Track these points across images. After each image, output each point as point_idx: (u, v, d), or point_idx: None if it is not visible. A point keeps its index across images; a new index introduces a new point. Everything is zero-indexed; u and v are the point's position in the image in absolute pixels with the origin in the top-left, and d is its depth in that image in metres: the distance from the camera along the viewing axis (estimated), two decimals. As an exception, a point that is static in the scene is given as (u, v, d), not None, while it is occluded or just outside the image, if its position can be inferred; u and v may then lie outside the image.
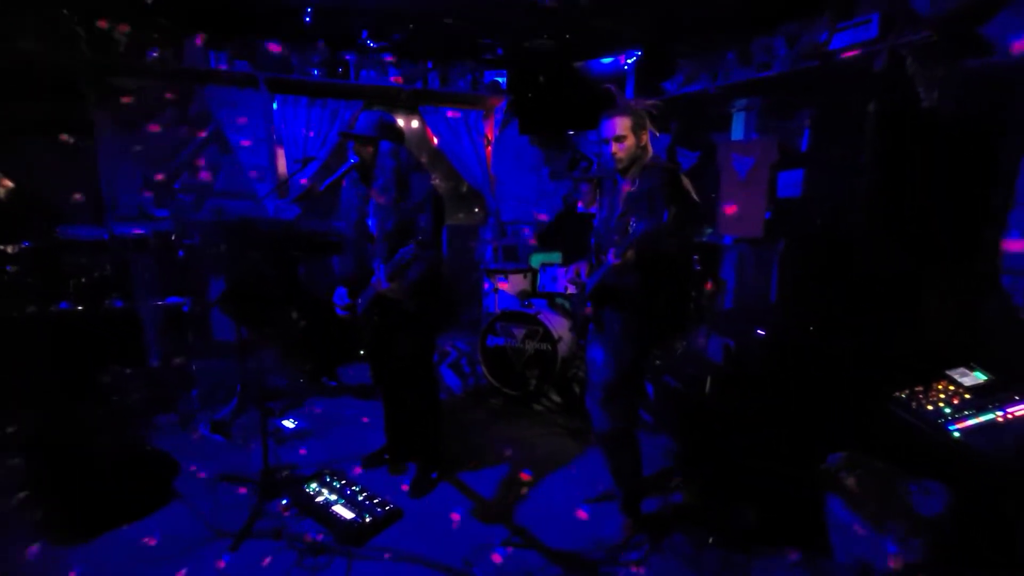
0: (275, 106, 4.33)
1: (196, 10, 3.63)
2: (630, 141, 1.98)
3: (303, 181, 4.35)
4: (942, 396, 1.95)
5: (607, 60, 4.38)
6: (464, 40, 4.19)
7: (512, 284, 4.11)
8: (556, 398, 3.59)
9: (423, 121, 4.93)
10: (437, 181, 2.39)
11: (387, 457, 2.75)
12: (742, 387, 2.69)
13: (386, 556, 2.06)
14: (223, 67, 3.96)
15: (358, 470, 2.69)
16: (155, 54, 3.76)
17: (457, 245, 5.19)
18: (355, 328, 2.55)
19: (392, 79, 4.45)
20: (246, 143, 4.33)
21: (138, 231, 3.49)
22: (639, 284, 1.95)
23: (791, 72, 3.26)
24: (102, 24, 3.56)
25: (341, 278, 2.55)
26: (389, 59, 4.49)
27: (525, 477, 2.64)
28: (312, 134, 4.43)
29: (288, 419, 3.19)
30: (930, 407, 1.89)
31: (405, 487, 2.50)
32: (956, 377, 2.04)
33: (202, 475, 2.57)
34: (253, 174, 4.38)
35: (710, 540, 2.12)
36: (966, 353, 2.14)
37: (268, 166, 4.42)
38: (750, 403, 2.46)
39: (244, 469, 2.60)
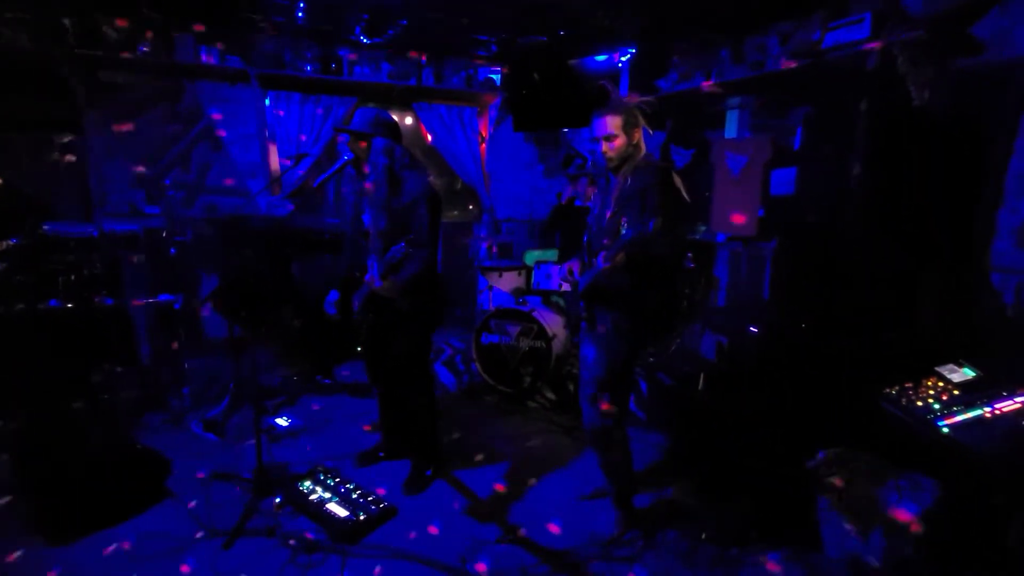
0: (267, 102, 4.30)
1: (187, 4, 3.58)
2: (621, 140, 1.98)
3: (301, 173, 4.33)
4: (931, 392, 1.97)
5: (601, 58, 4.39)
6: (458, 37, 4.17)
7: (506, 281, 4.11)
8: (551, 395, 3.59)
9: (417, 118, 4.91)
10: (432, 179, 2.38)
11: (382, 455, 2.75)
12: (735, 384, 2.71)
13: (381, 554, 2.06)
14: (214, 62, 3.92)
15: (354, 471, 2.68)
16: (145, 49, 3.71)
17: (451, 242, 5.18)
18: (349, 327, 2.54)
19: (386, 75, 4.42)
20: (238, 139, 4.30)
21: (129, 228, 3.45)
22: (630, 284, 1.95)
23: (784, 71, 3.27)
24: (90, 18, 3.51)
25: (338, 276, 2.54)
26: (383, 55, 4.47)
27: (520, 474, 2.65)
28: (305, 132, 4.40)
29: (282, 417, 3.17)
30: (920, 403, 1.91)
31: (396, 489, 2.50)
32: (945, 374, 2.07)
33: (195, 474, 2.55)
34: (245, 171, 4.35)
35: (703, 536, 2.13)
36: (956, 350, 2.16)
37: (261, 163, 4.39)
38: (743, 400, 2.48)
39: (237, 467, 2.59)
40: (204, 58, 3.90)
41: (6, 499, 2.20)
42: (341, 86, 4.38)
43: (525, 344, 3.51)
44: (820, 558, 1.97)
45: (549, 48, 4.36)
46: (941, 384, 2.02)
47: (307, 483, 2.40)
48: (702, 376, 2.86)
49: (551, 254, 4.98)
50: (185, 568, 1.98)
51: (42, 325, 2.81)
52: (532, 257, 4.55)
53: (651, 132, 2.07)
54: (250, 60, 4.06)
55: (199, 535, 2.14)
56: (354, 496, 2.33)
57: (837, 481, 1.90)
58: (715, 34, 3.82)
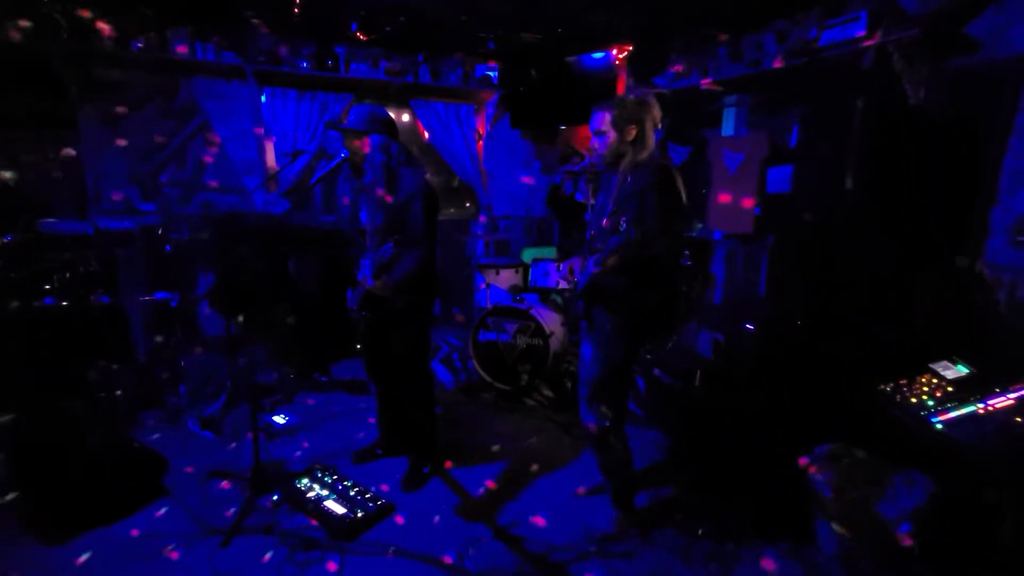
0: (263, 99, 4.27)
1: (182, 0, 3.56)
2: (611, 136, 1.96)
3: (298, 170, 4.31)
4: (925, 389, 1.98)
5: (599, 55, 4.38)
6: (455, 33, 4.16)
7: (504, 279, 4.11)
8: (548, 392, 3.60)
9: (414, 115, 4.90)
10: (429, 176, 2.37)
11: (379, 452, 2.75)
12: (732, 381, 2.73)
13: (378, 551, 2.07)
14: (210, 58, 3.90)
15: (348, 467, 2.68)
16: (140, 45, 3.69)
17: (449, 240, 5.18)
18: (349, 323, 2.54)
19: (383, 72, 4.41)
20: (234, 136, 4.28)
21: (124, 225, 3.44)
22: (628, 285, 1.93)
23: (781, 69, 3.28)
24: (84, 13, 3.48)
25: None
26: (379, 52, 4.45)
27: (517, 471, 2.66)
28: (301, 129, 4.38)
29: (279, 414, 3.17)
30: (914, 400, 1.93)
31: (393, 486, 2.50)
32: (939, 370, 2.08)
33: (191, 471, 2.55)
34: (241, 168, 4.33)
35: (699, 532, 2.15)
36: (949, 347, 2.18)
37: (257, 159, 4.37)
38: (739, 397, 2.49)
39: (234, 465, 2.59)
40: (199, 54, 3.87)
41: (1, 498, 2.19)
42: (337, 83, 4.36)
43: (522, 341, 3.51)
44: (815, 553, 1.99)
45: (546, 45, 4.35)
46: (935, 381, 2.03)
47: (304, 480, 2.41)
48: (699, 373, 2.88)
49: (549, 251, 4.98)
50: (182, 566, 1.98)
51: (37, 323, 2.79)
52: (529, 255, 4.56)
53: (658, 125, 2.00)
54: (246, 56, 4.03)
55: (196, 533, 2.14)
56: (351, 493, 2.33)
57: (831, 479, 1.92)
58: (713, 32, 3.82)
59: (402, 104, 4.89)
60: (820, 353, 2.30)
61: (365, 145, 2.28)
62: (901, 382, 2.01)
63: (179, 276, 3.90)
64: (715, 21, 3.67)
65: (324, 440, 2.95)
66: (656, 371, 3.08)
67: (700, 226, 4.10)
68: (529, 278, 3.91)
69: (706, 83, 3.76)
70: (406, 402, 2.57)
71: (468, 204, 5.46)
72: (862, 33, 2.75)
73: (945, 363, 2.11)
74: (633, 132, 1.96)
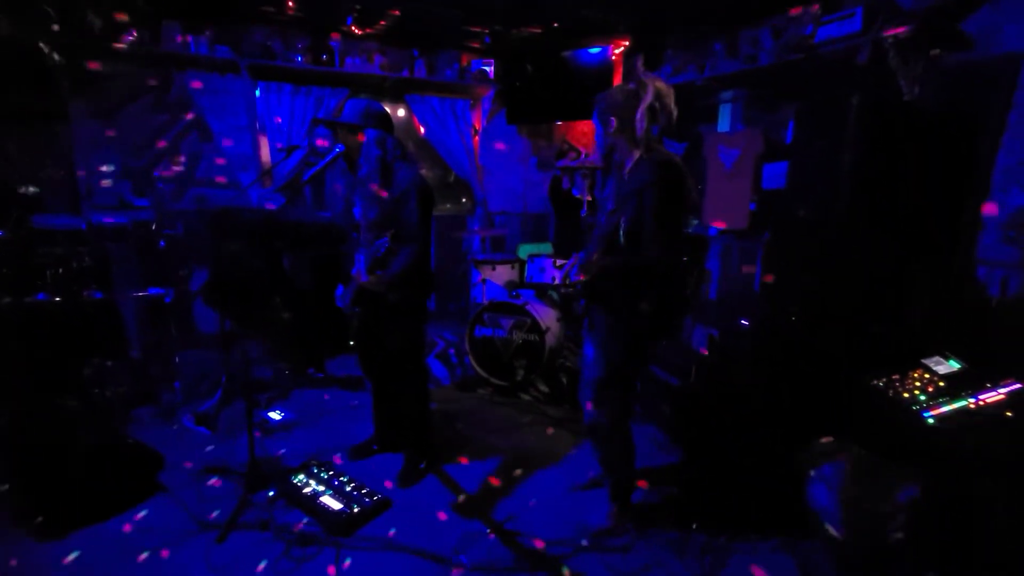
0: (258, 93, 4.24)
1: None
2: (598, 131, 1.93)
3: (293, 165, 4.29)
4: (917, 384, 2.00)
5: (595, 50, 4.37)
6: (451, 28, 4.14)
7: (500, 275, 4.11)
8: (544, 388, 3.61)
9: (410, 110, 4.87)
10: (425, 171, 2.37)
11: (375, 448, 2.75)
12: (726, 376, 2.74)
13: (375, 546, 2.07)
14: (203, 52, 3.86)
15: (339, 459, 2.68)
16: (132, 38, 3.64)
17: (444, 235, 5.17)
18: (344, 319, 2.53)
19: (378, 67, 4.38)
20: (228, 131, 4.25)
21: (117, 220, 3.41)
22: (624, 288, 1.90)
23: (777, 64, 3.28)
24: (74, 5, 3.44)
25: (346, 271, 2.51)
26: (375, 46, 4.42)
27: (513, 466, 2.67)
28: (296, 124, 4.35)
29: (274, 410, 3.17)
30: (906, 395, 1.94)
31: (390, 482, 2.51)
32: (931, 366, 2.10)
33: (187, 468, 2.55)
34: (235, 163, 4.30)
35: (693, 526, 2.16)
36: (942, 342, 2.19)
37: (251, 154, 4.34)
38: (734, 392, 2.51)
39: (230, 461, 2.59)
40: (193, 48, 3.84)
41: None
42: (332, 77, 4.34)
43: (518, 337, 3.52)
44: (809, 547, 2.01)
45: (543, 40, 4.34)
46: (927, 376, 2.05)
47: (300, 476, 2.41)
48: (694, 369, 2.89)
49: (545, 247, 4.98)
50: (178, 562, 1.98)
51: (30, 319, 2.77)
52: (525, 250, 4.55)
53: (655, 118, 1.84)
54: (240, 50, 4.00)
55: (192, 529, 2.14)
56: (348, 489, 2.34)
57: (825, 474, 1.93)
58: (709, 27, 3.82)
59: (397, 99, 4.87)
60: (814, 348, 2.31)
61: (360, 139, 2.28)
62: (894, 377, 2.02)
63: (173, 272, 3.88)
64: (711, 16, 3.67)
65: (320, 436, 2.95)
66: (652, 367, 3.09)
67: (695, 222, 4.11)
68: (525, 274, 3.91)
69: (702, 79, 3.75)
70: (401, 398, 2.57)
71: (464, 200, 5.45)
72: (857, 29, 2.76)
73: (937, 358, 2.13)
74: (613, 124, 1.88)
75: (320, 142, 3.67)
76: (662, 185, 1.78)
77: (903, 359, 2.11)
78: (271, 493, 2.32)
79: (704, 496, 2.31)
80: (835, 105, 2.31)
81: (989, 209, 2.49)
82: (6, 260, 2.79)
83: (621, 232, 1.83)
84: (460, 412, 3.29)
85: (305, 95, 4.33)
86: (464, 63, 4.74)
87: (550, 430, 3.08)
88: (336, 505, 2.22)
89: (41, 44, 3.43)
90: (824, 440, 2.04)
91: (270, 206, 4.27)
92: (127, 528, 2.15)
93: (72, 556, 1.99)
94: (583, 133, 5.27)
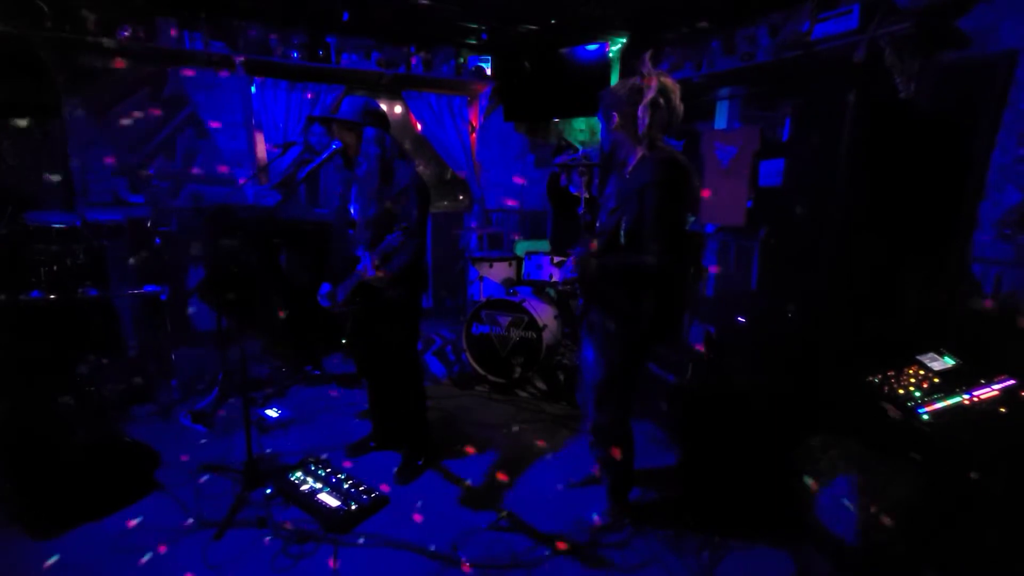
0: (253, 89, 4.22)
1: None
2: (601, 126, 1.92)
3: (289, 162, 4.26)
4: (912, 380, 2.01)
5: (593, 47, 4.36)
6: (448, 24, 4.12)
7: (497, 272, 4.11)
8: (541, 385, 3.62)
9: (406, 106, 4.86)
10: (421, 168, 2.38)
11: (372, 445, 2.75)
12: (723, 373, 2.75)
13: (373, 543, 2.08)
14: (198, 48, 3.84)
15: (347, 463, 2.68)
16: (126, 33, 3.62)
17: (442, 233, 5.16)
18: (338, 317, 2.53)
19: (374, 63, 4.36)
20: (224, 127, 4.23)
21: (112, 217, 3.39)
22: (623, 290, 1.86)
23: (774, 62, 3.29)
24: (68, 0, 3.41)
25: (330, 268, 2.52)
26: (371, 42, 4.40)
27: (510, 462, 2.67)
28: (292, 120, 4.33)
29: (271, 408, 3.16)
30: (901, 391, 1.95)
31: (387, 479, 2.51)
32: (926, 362, 2.11)
33: (184, 466, 2.54)
34: (231, 160, 4.28)
35: (691, 522, 2.17)
36: (937, 339, 2.21)
37: (247, 151, 4.32)
38: (731, 388, 2.52)
39: (227, 459, 2.58)
40: (188, 44, 3.81)
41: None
42: (329, 73, 4.32)
43: (516, 334, 3.52)
44: (805, 543, 2.02)
45: (540, 37, 4.33)
46: (922, 372, 2.06)
47: (298, 474, 2.41)
48: (691, 365, 2.90)
49: (542, 244, 4.98)
50: (175, 559, 1.97)
51: (24, 317, 2.76)
52: (523, 248, 4.55)
53: (652, 115, 1.77)
54: (235, 46, 3.98)
55: (189, 526, 2.14)
56: (345, 486, 2.34)
57: (822, 470, 1.95)
58: (706, 25, 3.82)
59: (394, 95, 4.85)
60: (810, 345, 2.33)
61: (357, 136, 2.28)
62: (889, 373, 2.03)
63: (169, 269, 3.86)
64: (709, 13, 3.67)
65: (317, 433, 2.95)
66: (649, 363, 3.10)
67: (692, 219, 4.12)
68: (522, 271, 3.92)
69: (699, 76, 3.76)
70: (398, 395, 2.57)
71: (461, 197, 5.44)
72: (854, 27, 2.76)
73: (932, 355, 2.14)
74: (615, 120, 1.84)
75: (316, 139, 3.66)
76: (665, 184, 1.73)
77: (898, 355, 2.12)
78: (268, 490, 2.32)
79: (701, 493, 2.32)
80: (832, 102, 2.31)
81: (984, 207, 2.50)
82: (1, 258, 2.77)
83: (622, 231, 1.80)
84: (457, 409, 3.29)
85: (301, 91, 4.31)
86: (461, 59, 4.73)
87: (542, 442, 3.08)
88: (333, 502, 2.22)
89: (34, 40, 3.40)
90: (820, 436, 2.05)
91: (266, 203, 4.25)
92: (124, 526, 2.14)
93: (69, 554, 1.99)
94: (580, 130, 5.27)
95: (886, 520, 1.73)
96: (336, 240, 2.51)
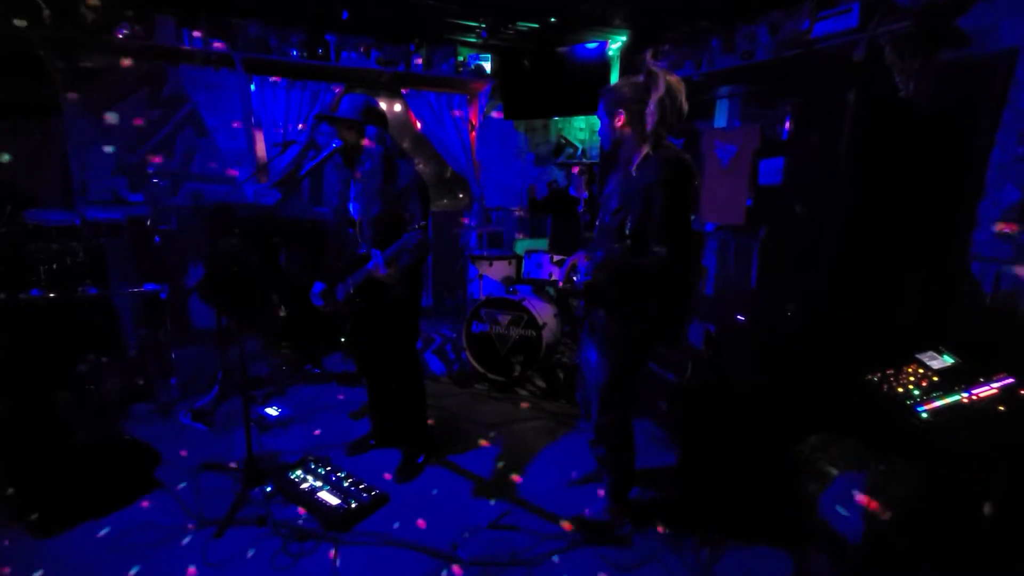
0: (253, 88, 4.21)
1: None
2: (603, 124, 1.89)
3: (288, 160, 4.27)
4: (912, 379, 2.01)
5: (592, 45, 4.36)
6: (447, 22, 4.12)
7: (497, 270, 4.11)
8: (540, 383, 3.62)
9: (406, 105, 4.85)
10: (421, 166, 2.38)
11: (372, 443, 2.76)
12: (722, 371, 2.75)
13: (373, 541, 2.08)
14: (197, 46, 3.83)
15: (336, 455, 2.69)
16: (125, 31, 3.61)
17: (441, 231, 5.16)
18: (334, 315, 2.53)
19: (374, 61, 4.35)
20: (223, 125, 4.22)
21: (112, 216, 3.39)
22: (626, 292, 1.85)
23: (774, 60, 3.28)
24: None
25: (324, 267, 2.52)
26: (371, 41, 4.40)
27: (510, 461, 2.68)
28: (291, 119, 4.32)
29: (271, 406, 3.17)
30: (900, 389, 1.96)
31: (388, 476, 2.51)
32: (925, 360, 2.11)
33: (184, 464, 2.54)
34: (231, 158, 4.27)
35: (691, 521, 2.18)
36: (935, 337, 2.21)
37: (247, 149, 4.31)
38: (730, 387, 2.52)
39: (227, 457, 2.58)
40: (187, 42, 3.81)
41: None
42: (328, 71, 4.31)
43: (515, 333, 3.52)
44: (804, 542, 2.02)
45: (539, 35, 4.32)
46: (921, 371, 2.06)
47: (298, 472, 2.41)
48: (690, 364, 2.90)
49: (541, 243, 4.98)
50: (175, 558, 1.98)
51: (24, 316, 2.76)
52: (522, 246, 4.55)
53: (657, 113, 1.76)
54: (235, 44, 3.97)
55: (189, 525, 2.14)
56: (345, 484, 2.34)
57: (821, 468, 1.95)
58: (706, 23, 3.81)
59: (394, 94, 4.84)
60: (809, 343, 2.33)
61: (359, 135, 2.28)
62: (888, 372, 2.03)
63: (169, 267, 3.86)
64: (708, 12, 3.66)
65: (317, 432, 2.95)
66: (648, 362, 3.10)
67: (692, 218, 4.12)
68: (522, 270, 3.92)
69: (699, 74, 3.75)
70: (398, 393, 2.58)
71: (461, 195, 5.44)
72: (854, 25, 2.76)
73: (931, 353, 2.14)
74: (622, 118, 1.82)
75: (324, 138, 3.66)
76: (672, 183, 1.72)
77: (897, 354, 2.12)
78: (268, 489, 2.32)
79: (701, 492, 2.32)
80: (831, 101, 2.31)
81: (983, 205, 2.50)
82: (0, 256, 2.77)
83: (627, 231, 1.78)
84: (457, 407, 3.29)
85: (301, 89, 4.31)
86: (461, 58, 4.72)
87: (541, 440, 3.08)
88: (333, 500, 2.23)
89: (33, 38, 3.40)
90: (819, 434, 2.05)
91: (265, 202, 4.25)
92: (124, 524, 2.14)
93: (68, 552, 1.99)
94: (580, 129, 5.27)
95: (887, 517, 1.74)
96: (332, 239, 2.51)
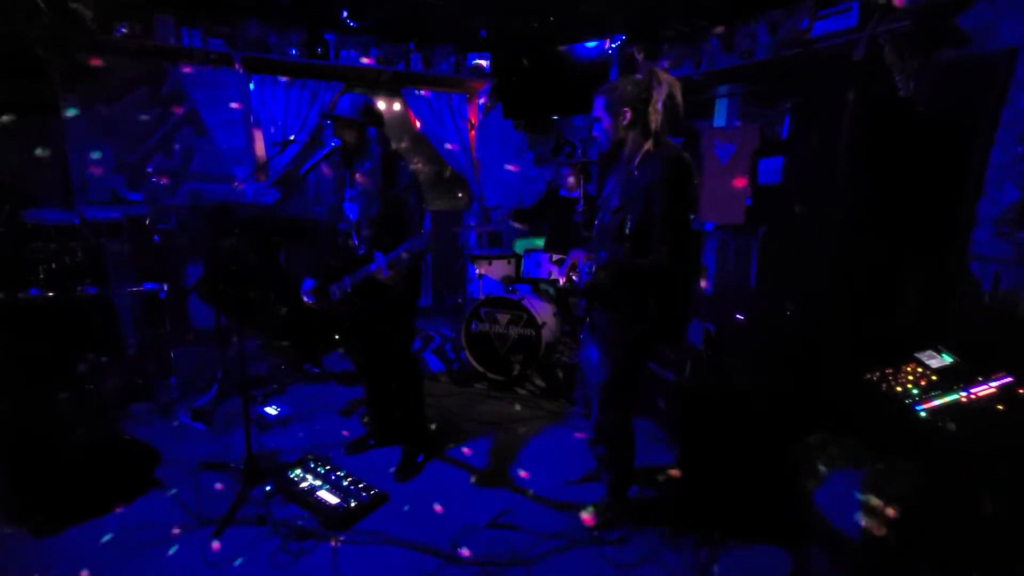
0: (252, 86, 4.21)
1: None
2: (605, 123, 1.86)
3: (288, 159, 4.26)
4: (910, 378, 2.02)
5: (592, 44, 4.35)
6: (447, 21, 4.11)
7: (496, 270, 4.11)
8: (540, 382, 3.62)
9: (405, 104, 4.85)
10: (420, 165, 2.39)
11: (371, 443, 2.76)
12: (721, 371, 2.76)
13: (372, 540, 2.08)
14: (196, 45, 3.83)
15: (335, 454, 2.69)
16: (124, 30, 3.61)
17: (441, 231, 5.16)
18: (334, 315, 2.53)
19: (373, 60, 4.35)
20: (222, 124, 4.22)
21: (111, 215, 3.38)
22: (626, 292, 1.84)
23: (773, 59, 3.28)
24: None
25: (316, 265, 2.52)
26: (370, 40, 4.39)
27: (509, 460, 2.68)
28: (291, 118, 4.32)
29: (271, 406, 3.17)
30: (899, 388, 1.96)
31: (387, 476, 2.51)
32: (924, 359, 2.11)
33: (184, 463, 2.54)
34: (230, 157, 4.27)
35: (690, 520, 2.18)
36: (934, 336, 2.21)
37: (246, 148, 4.31)
38: (729, 386, 2.52)
39: (226, 456, 2.58)
40: (186, 40, 3.80)
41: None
42: (327, 70, 4.31)
43: (514, 332, 3.52)
44: (803, 541, 2.03)
45: (539, 34, 4.32)
46: (920, 370, 2.07)
47: (297, 471, 2.41)
48: (689, 363, 2.91)
49: (540, 242, 4.97)
50: (175, 557, 1.98)
51: (23, 315, 2.75)
52: (521, 245, 4.55)
53: (658, 111, 1.77)
54: (234, 43, 3.97)
55: (189, 524, 2.14)
56: (345, 483, 2.34)
57: (820, 467, 1.95)
58: (705, 22, 3.81)
59: (393, 93, 4.84)
60: (808, 343, 2.33)
61: (358, 135, 2.29)
62: (887, 371, 2.04)
63: (168, 267, 3.86)
64: (708, 11, 3.66)
65: (316, 431, 2.95)
66: (649, 361, 3.10)
67: (691, 217, 4.12)
68: (521, 269, 3.92)
69: (698, 74, 3.75)
70: (397, 392, 2.58)
71: (460, 195, 5.44)
72: (853, 24, 2.76)
73: (930, 352, 2.15)
74: (627, 116, 1.81)
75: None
76: (673, 182, 1.72)
77: (897, 353, 2.13)
78: (268, 488, 2.32)
79: (700, 490, 2.32)
80: (831, 100, 2.31)
81: (983, 205, 2.50)
82: (-1, 255, 2.77)
83: (627, 231, 1.78)
84: (456, 406, 3.29)
85: (300, 88, 4.31)
86: (460, 57, 4.72)
87: (541, 440, 3.08)
88: (333, 499, 2.23)
89: (31, 36, 3.39)
90: (818, 433, 2.05)
91: (265, 201, 4.25)
92: (123, 524, 2.15)
93: (68, 552, 1.99)
94: (579, 128, 5.27)
95: (887, 515, 1.74)
96: (327, 237, 2.51)
